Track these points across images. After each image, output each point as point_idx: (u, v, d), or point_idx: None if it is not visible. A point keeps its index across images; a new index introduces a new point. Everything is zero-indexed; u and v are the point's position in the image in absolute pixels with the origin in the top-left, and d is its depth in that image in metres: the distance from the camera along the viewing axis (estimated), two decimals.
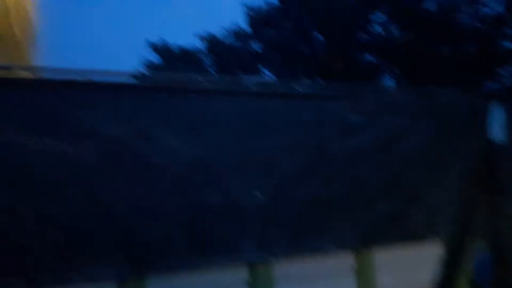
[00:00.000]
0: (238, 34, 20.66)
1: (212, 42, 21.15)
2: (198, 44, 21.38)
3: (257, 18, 19.76)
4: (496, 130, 4.05)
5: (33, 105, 2.96)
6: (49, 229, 2.87)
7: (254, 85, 3.74)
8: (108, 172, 3.06)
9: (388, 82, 18.56)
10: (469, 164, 4.06)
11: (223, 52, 20.84)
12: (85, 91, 3.14)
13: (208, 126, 3.36)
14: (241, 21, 20.49)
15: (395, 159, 3.81)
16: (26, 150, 2.89)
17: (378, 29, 18.33)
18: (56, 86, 3.10)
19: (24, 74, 3.15)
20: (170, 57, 20.23)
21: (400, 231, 3.79)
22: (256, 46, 20.32)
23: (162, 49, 20.50)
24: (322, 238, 3.56)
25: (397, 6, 17.32)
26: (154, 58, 20.80)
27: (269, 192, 3.43)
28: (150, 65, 20.77)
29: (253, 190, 3.38)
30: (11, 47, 6.34)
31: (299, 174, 3.55)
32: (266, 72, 19.37)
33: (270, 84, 3.77)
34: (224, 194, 3.32)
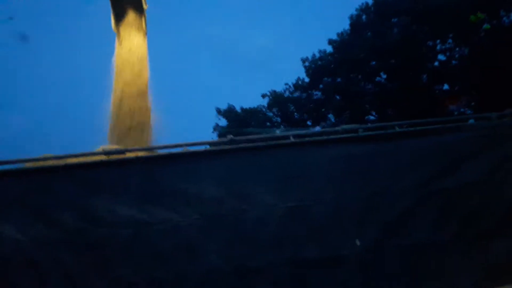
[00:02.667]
0: (297, 85, 21.37)
1: (274, 97, 22.00)
2: (263, 102, 22.49)
3: (314, 67, 20.36)
4: None
5: (144, 179, 3.31)
6: None
7: (341, 131, 3.53)
8: (211, 233, 3.22)
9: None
10: None
11: (284, 104, 21.53)
12: (185, 161, 3.45)
13: (299, 178, 3.36)
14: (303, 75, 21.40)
15: (509, 190, 3.45)
16: (140, 221, 3.19)
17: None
18: (159, 160, 3.49)
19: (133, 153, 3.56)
20: (235, 118, 21.21)
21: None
22: (316, 94, 20.77)
23: (227, 113, 21.65)
24: (435, 285, 3.26)
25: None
26: (222, 122, 22.05)
27: (371, 240, 3.26)
28: (219, 128, 21.92)
29: (353, 239, 3.23)
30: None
31: (401, 218, 3.32)
32: (331, 117, 19.64)
33: (358, 129, 3.53)
34: (322, 246, 3.23)
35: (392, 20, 18.21)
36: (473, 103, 17.85)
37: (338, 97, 19.87)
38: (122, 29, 7.57)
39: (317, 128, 19.81)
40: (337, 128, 3.69)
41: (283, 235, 3.25)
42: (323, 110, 19.07)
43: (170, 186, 3.32)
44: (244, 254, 3.22)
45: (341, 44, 19.60)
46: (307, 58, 20.55)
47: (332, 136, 3.62)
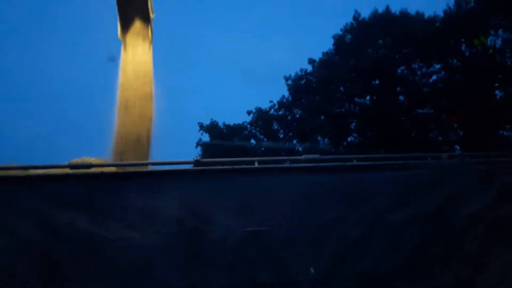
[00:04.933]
0: (281, 103, 21.57)
1: (259, 114, 22.15)
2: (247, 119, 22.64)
3: (295, 86, 20.62)
4: None
5: (107, 195, 3.35)
6: None
7: (304, 161, 3.67)
8: (169, 253, 3.26)
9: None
10: None
11: (268, 121, 21.69)
12: (149, 179, 3.49)
13: (261, 203, 3.45)
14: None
15: (456, 226, 3.66)
16: (99, 237, 3.21)
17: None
18: (123, 177, 3.51)
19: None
20: (218, 133, 21.25)
21: None
22: (298, 112, 20.98)
23: (210, 128, 21.68)
24: None
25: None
26: (205, 137, 22.06)
27: (324, 266, 3.36)
28: (202, 144, 21.91)
29: (307, 265, 3.33)
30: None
31: (353, 247, 3.45)
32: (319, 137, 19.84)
33: (319, 159, 3.75)
34: (277, 271, 3.32)
35: (373, 41, 18.61)
36: (456, 125, 18.21)
37: (322, 117, 20.13)
38: (128, 37, 7.60)
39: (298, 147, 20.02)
40: (300, 157, 3.80)
41: (239, 258, 3.32)
42: (306, 129, 19.22)
43: (132, 204, 3.35)
44: (200, 275, 3.27)
45: (322, 63, 19.92)
46: (290, 76, 20.85)
47: (294, 165, 3.74)
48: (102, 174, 3.48)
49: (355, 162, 3.84)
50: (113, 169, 3.79)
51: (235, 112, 24.83)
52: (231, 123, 22.36)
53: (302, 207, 3.50)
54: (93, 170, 3.55)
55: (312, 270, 3.35)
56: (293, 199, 3.51)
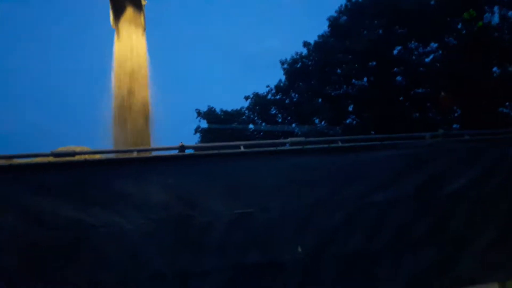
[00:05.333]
0: (278, 87, 21.47)
1: (256, 99, 22.07)
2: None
3: (291, 70, 20.47)
4: None
5: (92, 182, 3.34)
6: None
7: (289, 144, 3.76)
8: (155, 238, 3.27)
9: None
10: None
11: (266, 106, 21.63)
12: (133, 166, 3.47)
13: (247, 186, 3.47)
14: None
15: (439, 205, 3.71)
16: (84, 224, 3.22)
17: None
18: (108, 164, 3.49)
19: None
20: (215, 120, 21.21)
21: (450, 275, 3.60)
22: (295, 96, 20.89)
23: (207, 115, 21.63)
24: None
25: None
26: (203, 124, 22.03)
27: (311, 246, 3.41)
28: (201, 130, 21.90)
29: (294, 245, 3.37)
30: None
31: (338, 228, 3.49)
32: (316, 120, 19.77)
33: (304, 142, 3.78)
34: (264, 252, 3.35)
35: (369, 22, 18.38)
36: (455, 107, 18.11)
37: (320, 100, 20.02)
38: (121, 25, 7.63)
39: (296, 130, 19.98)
40: (285, 140, 3.85)
41: (227, 241, 3.35)
42: (303, 112, 19.13)
43: (117, 190, 3.34)
44: (187, 259, 3.28)
45: (318, 46, 19.72)
46: (286, 60, 20.67)
47: (279, 148, 3.77)
48: (86, 161, 3.45)
49: (339, 144, 3.85)
50: (97, 156, 3.77)
51: (233, 99, 24.81)
52: (229, 109, 22.32)
53: (288, 189, 3.52)
54: (77, 158, 3.53)
55: (299, 249, 3.39)
56: (278, 181, 3.53)
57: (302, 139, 3.81)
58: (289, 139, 3.84)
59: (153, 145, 7.08)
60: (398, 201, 3.63)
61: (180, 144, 3.60)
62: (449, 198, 3.72)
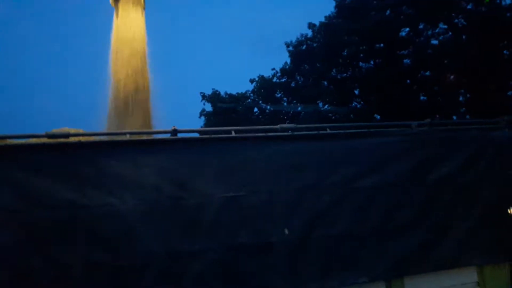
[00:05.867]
0: (284, 70, 21.26)
1: (261, 82, 21.93)
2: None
3: (296, 52, 20.20)
4: None
5: (86, 164, 3.37)
6: (96, 275, 3.17)
7: (279, 130, 3.85)
8: (148, 219, 3.33)
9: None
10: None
11: (271, 89, 21.48)
12: (127, 148, 3.51)
13: (238, 170, 3.57)
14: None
15: (423, 191, 3.89)
16: (78, 204, 3.26)
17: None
18: (102, 146, 3.53)
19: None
20: (221, 103, 21.12)
21: (432, 259, 3.78)
22: (300, 79, 20.68)
23: (212, 98, 21.51)
24: (354, 272, 3.59)
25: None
26: (208, 107, 21.96)
27: (299, 229, 3.53)
28: (206, 114, 21.84)
29: (282, 228, 3.50)
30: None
31: (326, 211, 3.63)
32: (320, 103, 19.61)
33: (294, 128, 3.88)
34: (254, 233, 3.46)
35: (377, 2, 17.99)
36: (462, 90, 17.83)
37: (325, 82, 19.82)
38: (120, 3, 7.58)
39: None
40: (275, 127, 3.95)
41: (218, 222, 3.45)
42: (308, 95, 18.93)
43: (111, 172, 3.38)
44: (179, 239, 3.35)
45: (324, 27, 19.38)
46: (291, 42, 20.40)
47: (270, 134, 3.88)
48: (80, 143, 3.47)
49: (328, 131, 3.97)
50: (92, 138, 3.76)
51: (240, 82, 24.64)
52: (234, 93, 22.20)
53: (277, 173, 3.64)
54: (71, 139, 3.52)
55: (286, 231, 3.53)
56: (268, 166, 3.65)
57: (292, 125, 3.90)
58: (279, 126, 3.92)
59: (155, 128, 7.07)
60: (383, 187, 3.80)
61: (173, 128, 3.65)
62: (433, 185, 3.92)
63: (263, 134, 3.85)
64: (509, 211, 4.04)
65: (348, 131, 4.10)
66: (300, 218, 3.56)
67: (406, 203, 3.82)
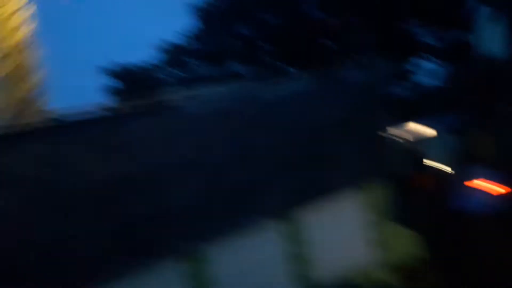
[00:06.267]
0: (189, 33, 20.25)
1: (168, 47, 20.68)
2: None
3: (201, 14, 19.34)
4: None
5: None
6: None
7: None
8: (30, 208, 3.32)
9: None
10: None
11: (178, 54, 20.45)
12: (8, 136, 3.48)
13: (122, 145, 3.62)
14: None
15: (305, 132, 4.34)
16: None
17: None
18: None
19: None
20: (126, 76, 19.71)
21: (318, 188, 4.28)
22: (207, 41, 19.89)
23: (117, 72, 19.93)
24: (250, 214, 3.94)
25: None
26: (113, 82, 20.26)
27: (190, 189, 3.81)
28: (112, 90, 20.18)
29: (178, 191, 3.73)
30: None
31: (212, 167, 3.94)
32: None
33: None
34: (146, 201, 3.63)
35: None
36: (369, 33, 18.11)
37: (233, 41, 19.22)
38: None
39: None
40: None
41: (112, 198, 3.56)
42: (216, 56, 18.41)
43: None
44: (64, 222, 3.40)
45: None
46: (193, 4, 19.32)
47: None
48: None
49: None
50: None
51: (142, 50, 22.95)
52: (140, 62, 20.75)
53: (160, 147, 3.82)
54: None
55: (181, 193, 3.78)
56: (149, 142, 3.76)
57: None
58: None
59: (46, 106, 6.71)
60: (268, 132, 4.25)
61: (54, 115, 3.79)
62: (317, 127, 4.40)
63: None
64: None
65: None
66: (188, 181, 3.83)
67: (294, 144, 4.27)
